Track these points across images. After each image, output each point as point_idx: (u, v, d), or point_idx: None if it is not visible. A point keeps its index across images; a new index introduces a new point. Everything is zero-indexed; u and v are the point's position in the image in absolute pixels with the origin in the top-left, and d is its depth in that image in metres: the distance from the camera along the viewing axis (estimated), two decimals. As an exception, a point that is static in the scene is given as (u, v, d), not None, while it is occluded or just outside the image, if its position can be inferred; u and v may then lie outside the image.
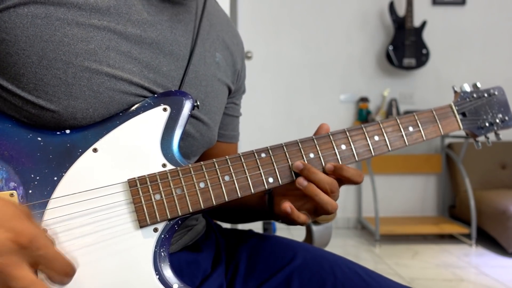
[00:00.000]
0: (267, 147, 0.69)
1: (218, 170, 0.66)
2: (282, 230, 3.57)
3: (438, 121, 0.79)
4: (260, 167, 0.68)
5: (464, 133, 0.86)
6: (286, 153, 0.70)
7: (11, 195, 0.58)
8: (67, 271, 0.51)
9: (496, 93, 0.86)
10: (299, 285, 0.75)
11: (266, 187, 0.68)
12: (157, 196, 0.63)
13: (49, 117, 0.61)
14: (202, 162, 0.66)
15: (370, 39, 3.78)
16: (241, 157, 0.67)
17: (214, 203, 0.65)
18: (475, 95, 0.84)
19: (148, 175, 0.63)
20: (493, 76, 3.69)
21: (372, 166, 3.48)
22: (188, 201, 0.64)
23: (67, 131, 0.63)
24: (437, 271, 2.74)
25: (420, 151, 3.75)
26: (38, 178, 0.60)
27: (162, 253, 0.62)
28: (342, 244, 3.34)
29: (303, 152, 0.70)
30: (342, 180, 0.70)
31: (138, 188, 0.62)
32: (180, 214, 0.63)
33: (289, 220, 0.72)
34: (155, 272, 0.61)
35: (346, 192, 3.81)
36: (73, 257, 0.58)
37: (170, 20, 0.72)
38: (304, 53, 3.76)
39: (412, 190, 3.83)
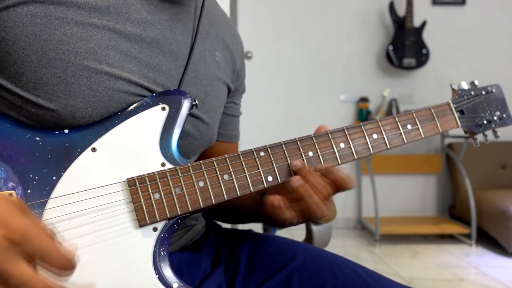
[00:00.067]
0: (266, 146, 0.69)
1: (217, 169, 0.66)
2: (282, 230, 3.56)
3: (436, 119, 0.79)
4: (259, 165, 0.68)
5: (464, 133, 0.86)
6: (285, 151, 0.70)
7: (10, 195, 0.58)
8: (65, 265, 0.49)
9: (493, 90, 0.86)
10: (299, 285, 0.75)
11: (265, 185, 0.68)
12: (156, 196, 0.63)
13: (48, 116, 0.61)
14: (201, 161, 0.66)
15: (370, 39, 3.78)
16: (240, 156, 0.67)
17: (214, 202, 0.65)
18: (472, 93, 0.84)
19: (147, 174, 0.63)
20: (493, 76, 3.67)
21: (372, 166, 3.48)
22: (188, 200, 0.64)
23: (66, 131, 0.63)
24: (437, 271, 2.74)
25: (420, 151, 3.75)
26: (37, 178, 0.60)
27: (162, 253, 0.62)
28: (342, 244, 3.34)
29: (302, 151, 0.70)
30: (334, 184, 0.69)
31: (137, 187, 0.62)
32: (179, 213, 0.63)
33: (275, 220, 0.71)
34: (155, 271, 0.61)
35: (346, 192, 3.79)
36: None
37: (170, 19, 0.72)
38: (304, 53, 3.76)
39: (412, 190, 3.82)
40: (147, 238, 0.62)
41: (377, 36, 3.77)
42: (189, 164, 0.65)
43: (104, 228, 0.61)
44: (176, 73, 0.71)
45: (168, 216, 0.63)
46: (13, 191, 0.58)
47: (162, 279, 0.61)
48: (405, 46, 3.59)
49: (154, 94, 0.67)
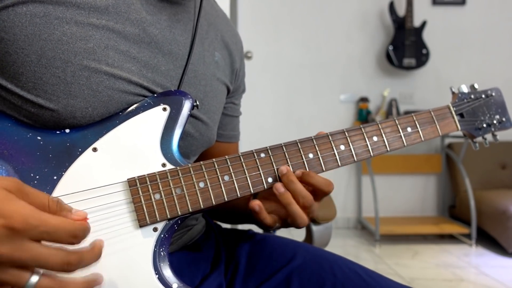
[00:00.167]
0: (266, 147, 0.69)
1: (217, 170, 0.66)
2: (282, 230, 3.56)
3: (436, 122, 0.80)
4: (259, 167, 0.68)
5: (464, 136, 0.87)
6: (286, 153, 0.70)
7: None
8: (76, 234, 0.48)
9: (493, 94, 0.86)
10: (298, 285, 0.75)
11: (266, 187, 0.68)
12: (157, 196, 0.63)
13: (48, 116, 0.61)
14: (201, 162, 0.66)
15: (370, 39, 3.78)
16: (241, 157, 0.68)
17: (214, 203, 0.65)
18: (472, 96, 0.85)
19: (147, 174, 0.63)
20: (493, 76, 3.69)
21: (372, 166, 3.48)
22: (188, 201, 0.64)
23: (67, 131, 0.63)
24: (437, 271, 2.74)
25: (420, 151, 3.75)
26: (37, 177, 0.60)
27: (162, 253, 0.62)
28: (342, 244, 3.34)
29: (302, 153, 0.70)
30: (314, 189, 0.69)
31: (137, 187, 0.62)
32: (179, 213, 0.63)
33: (259, 223, 0.71)
34: (155, 271, 0.61)
35: (346, 192, 3.81)
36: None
37: (169, 19, 0.72)
38: (304, 53, 3.76)
39: (412, 190, 3.83)
40: (147, 238, 0.62)
41: (377, 36, 3.77)
42: (189, 165, 0.65)
43: (105, 228, 0.61)
44: (175, 74, 0.71)
45: (169, 216, 0.63)
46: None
47: (162, 279, 0.61)
48: (405, 46, 3.59)
49: (155, 95, 0.68)
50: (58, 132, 0.62)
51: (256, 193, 0.76)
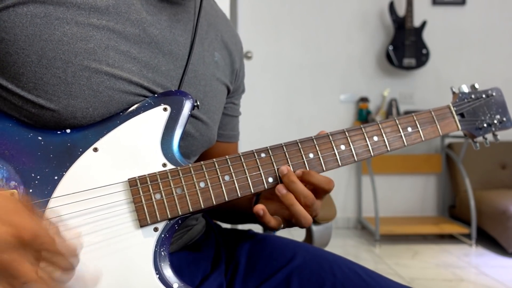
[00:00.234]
0: (267, 147, 0.69)
1: (218, 170, 0.66)
2: (282, 230, 3.56)
3: (436, 122, 0.80)
4: (260, 167, 0.68)
5: (464, 136, 0.86)
6: (286, 153, 0.70)
7: (12, 194, 0.58)
8: (72, 261, 0.50)
9: (494, 94, 0.86)
10: (298, 285, 0.75)
11: (266, 186, 0.68)
12: (158, 196, 0.63)
13: (49, 116, 0.61)
14: (202, 162, 0.66)
15: (370, 39, 3.78)
16: (241, 157, 0.68)
17: (214, 203, 0.65)
18: (473, 96, 0.85)
19: (148, 174, 0.63)
20: (493, 76, 3.69)
21: (372, 166, 3.48)
22: (188, 201, 0.64)
23: (68, 131, 0.63)
24: (437, 271, 2.74)
25: (420, 151, 3.75)
26: (38, 177, 0.60)
27: (162, 253, 0.62)
28: (342, 244, 3.34)
29: (302, 152, 0.70)
30: (315, 188, 0.69)
31: (138, 187, 0.62)
32: (180, 213, 0.63)
33: (263, 225, 0.72)
34: (155, 271, 0.61)
35: (346, 192, 3.81)
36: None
37: (169, 19, 0.72)
38: (304, 53, 3.76)
39: (412, 190, 3.83)
40: (148, 238, 0.62)
41: (377, 36, 3.77)
42: (190, 165, 0.65)
43: (105, 228, 0.61)
44: (176, 74, 0.72)
45: (169, 216, 0.63)
46: (15, 191, 0.58)
47: (162, 279, 0.61)
48: (405, 46, 3.59)
49: (155, 95, 0.68)
50: (59, 132, 0.63)
51: (258, 193, 0.76)
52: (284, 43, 3.75)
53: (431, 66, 3.68)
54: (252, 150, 0.69)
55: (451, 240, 3.43)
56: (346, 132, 0.73)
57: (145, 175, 0.63)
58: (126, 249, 0.61)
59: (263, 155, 0.69)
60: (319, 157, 0.71)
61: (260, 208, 0.68)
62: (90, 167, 0.62)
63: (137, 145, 0.64)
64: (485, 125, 0.85)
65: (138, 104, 0.66)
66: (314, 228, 1.08)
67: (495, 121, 0.85)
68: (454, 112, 0.82)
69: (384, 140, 0.75)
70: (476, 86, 0.85)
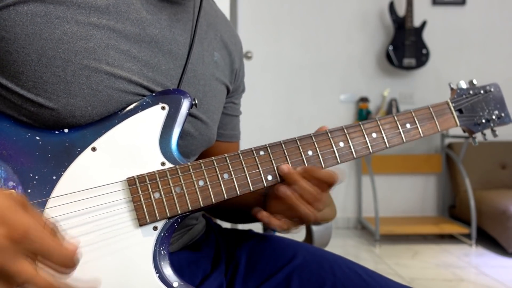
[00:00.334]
0: (265, 145, 0.69)
1: (217, 168, 0.66)
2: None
3: (435, 118, 0.79)
4: (259, 165, 0.68)
5: (463, 132, 0.86)
6: (285, 151, 0.70)
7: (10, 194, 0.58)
8: (66, 262, 0.48)
9: (492, 89, 0.86)
10: (298, 285, 0.75)
11: (265, 184, 0.68)
12: (156, 195, 0.63)
13: (48, 115, 0.61)
14: (201, 161, 0.66)
15: (370, 39, 3.78)
16: (240, 155, 0.68)
17: (214, 201, 0.65)
18: (471, 92, 0.84)
19: (147, 173, 0.63)
20: (493, 76, 3.65)
21: (372, 166, 3.48)
22: (188, 200, 0.64)
23: (66, 130, 0.63)
24: (437, 271, 2.74)
25: (420, 151, 3.75)
26: (37, 177, 0.60)
27: (162, 252, 0.62)
28: (342, 244, 3.34)
29: (301, 150, 0.70)
30: (320, 183, 0.68)
31: (137, 186, 0.62)
32: (179, 212, 0.63)
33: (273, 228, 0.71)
34: (155, 270, 0.61)
35: (346, 192, 3.81)
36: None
37: (169, 19, 0.72)
38: (304, 53, 3.76)
39: (412, 190, 3.82)
40: (147, 237, 0.62)
41: (377, 36, 3.78)
42: (189, 164, 0.65)
43: (104, 227, 0.61)
44: (175, 73, 0.72)
45: (168, 215, 0.63)
46: (13, 191, 0.58)
47: (162, 278, 0.61)
48: (405, 46, 3.59)
49: (153, 94, 0.68)
50: (57, 132, 0.62)
51: (265, 193, 0.76)
52: (284, 43, 3.75)
53: (431, 66, 3.68)
54: (251, 148, 0.69)
55: (451, 240, 3.43)
56: (344, 129, 0.73)
57: (143, 174, 0.63)
58: (126, 249, 0.61)
59: (262, 153, 0.69)
60: (318, 155, 0.71)
61: (264, 215, 0.68)
62: (88, 167, 0.62)
63: (135, 144, 0.64)
64: (483, 120, 0.84)
65: (136, 103, 0.66)
66: (314, 228, 1.08)
67: (494, 117, 0.85)
68: (452, 108, 0.82)
69: (382, 136, 0.75)
70: (474, 82, 0.85)
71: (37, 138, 0.62)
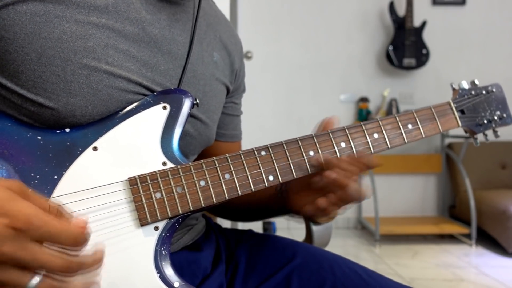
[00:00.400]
0: (267, 145, 0.69)
1: (218, 168, 0.66)
2: (282, 230, 3.57)
3: (437, 119, 0.79)
4: (260, 165, 0.68)
5: (464, 132, 0.86)
6: (286, 151, 0.70)
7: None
8: (77, 240, 0.48)
9: (494, 90, 0.86)
10: (298, 285, 0.75)
11: (266, 184, 0.68)
12: (158, 195, 0.63)
13: (48, 115, 0.61)
14: (202, 161, 0.66)
15: (370, 39, 3.78)
16: (241, 155, 0.68)
17: (215, 201, 0.65)
18: (473, 92, 0.84)
19: (148, 173, 0.63)
20: (493, 76, 3.67)
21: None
22: (189, 199, 0.64)
23: (67, 130, 0.63)
24: (437, 271, 2.74)
25: (420, 151, 3.75)
26: (38, 177, 0.60)
27: (163, 252, 0.62)
28: (342, 244, 3.34)
29: (302, 150, 0.70)
30: (361, 169, 0.71)
31: (138, 186, 0.62)
32: (181, 212, 0.63)
33: (309, 216, 0.73)
34: (156, 270, 0.61)
35: (346, 192, 3.80)
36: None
37: (168, 19, 0.72)
38: (304, 53, 3.76)
39: (412, 190, 3.82)
40: (149, 237, 0.62)
41: (377, 36, 3.78)
42: (190, 163, 0.65)
43: (106, 227, 0.61)
44: (175, 73, 0.71)
45: (170, 215, 0.63)
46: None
47: (163, 278, 0.61)
48: (405, 46, 3.59)
49: (155, 93, 0.67)
50: (58, 131, 0.62)
51: (281, 188, 0.78)
52: (284, 43, 3.75)
53: (431, 66, 3.68)
54: (252, 148, 0.69)
55: (451, 240, 3.43)
56: (346, 130, 0.73)
57: (145, 174, 0.63)
58: (127, 249, 0.61)
59: (263, 153, 0.69)
60: (319, 155, 0.71)
61: (323, 202, 0.69)
62: (89, 166, 0.62)
63: (136, 144, 0.64)
64: (485, 121, 0.84)
65: (137, 103, 0.66)
66: (314, 228, 1.08)
67: (495, 117, 0.85)
68: (454, 109, 0.81)
69: (384, 137, 0.75)
70: (476, 82, 0.85)
71: (38, 137, 0.61)
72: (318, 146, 0.71)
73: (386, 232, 3.29)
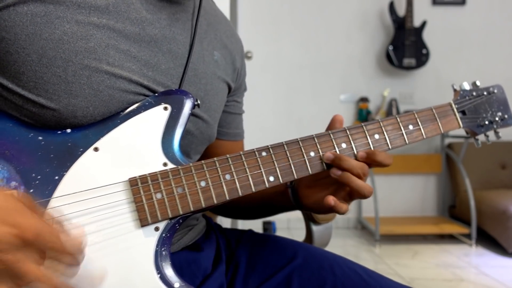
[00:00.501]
0: (267, 146, 0.69)
1: (219, 169, 0.66)
2: (282, 230, 3.57)
3: (438, 120, 0.79)
4: (261, 165, 0.68)
5: (464, 133, 0.86)
6: (287, 151, 0.70)
7: (12, 194, 0.58)
8: (77, 256, 0.50)
9: (495, 91, 0.86)
10: (299, 285, 0.75)
11: (267, 185, 0.68)
12: (158, 195, 0.63)
13: (49, 116, 0.61)
14: (203, 161, 0.66)
15: (370, 39, 3.78)
16: (242, 155, 0.68)
17: (215, 202, 0.65)
18: (474, 93, 0.84)
19: (149, 174, 0.63)
20: (493, 76, 3.69)
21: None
22: (190, 200, 0.64)
23: (68, 130, 0.63)
24: (437, 271, 2.74)
25: (420, 151, 3.75)
26: (39, 177, 0.60)
27: (163, 252, 0.62)
28: (342, 244, 3.34)
29: (303, 151, 0.70)
30: (373, 165, 0.72)
31: (139, 187, 0.62)
32: (181, 213, 0.63)
33: (322, 211, 0.75)
34: (156, 270, 0.61)
35: (346, 192, 3.81)
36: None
37: (168, 18, 0.72)
38: (304, 53, 3.76)
39: (412, 190, 3.83)
40: (149, 238, 0.62)
41: (377, 36, 3.78)
42: (191, 164, 0.65)
43: (106, 227, 0.61)
44: (176, 72, 0.72)
45: (170, 216, 0.63)
46: (15, 191, 0.58)
47: (163, 278, 0.61)
48: (405, 46, 3.59)
49: (156, 94, 0.68)
50: (59, 132, 0.62)
51: (291, 185, 0.80)
52: (284, 43, 3.75)
53: (431, 66, 3.68)
54: (253, 149, 0.69)
55: (451, 240, 3.43)
56: (347, 130, 0.73)
57: (146, 175, 0.63)
58: (128, 249, 0.61)
59: (264, 153, 0.69)
60: (320, 156, 0.71)
61: (331, 199, 0.70)
62: (90, 167, 0.62)
63: (137, 144, 0.64)
64: (486, 122, 0.84)
65: (138, 103, 0.66)
66: (314, 228, 1.08)
67: (497, 118, 0.85)
68: (455, 110, 0.81)
69: (385, 138, 0.75)
70: (478, 83, 0.85)
71: (40, 138, 0.62)
72: (319, 146, 0.71)
73: (386, 232, 3.29)
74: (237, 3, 3.09)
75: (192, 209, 0.64)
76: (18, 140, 0.61)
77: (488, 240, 3.25)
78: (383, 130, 0.75)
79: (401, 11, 3.65)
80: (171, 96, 0.67)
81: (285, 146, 0.70)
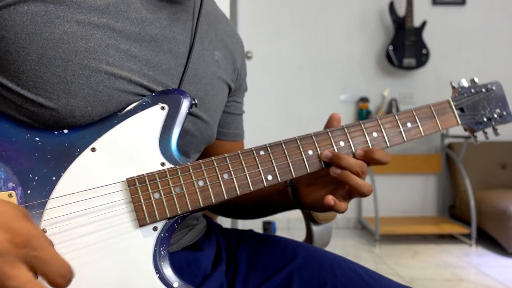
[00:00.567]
0: (265, 145, 0.69)
1: (217, 168, 0.66)
2: (282, 230, 3.57)
3: (436, 117, 0.79)
4: (259, 164, 0.68)
5: (464, 132, 0.86)
6: (285, 150, 0.70)
7: (10, 195, 0.58)
8: (64, 274, 0.48)
9: (493, 88, 0.85)
10: (299, 285, 0.75)
11: (265, 184, 0.68)
12: (156, 195, 0.63)
13: (48, 115, 0.61)
14: (200, 161, 0.66)
15: (370, 39, 3.78)
16: (240, 155, 0.67)
17: (213, 201, 0.65)
18: (472, 90, 0.84)
19: (147, 174, 0.63)
20: (493, 76, 3.66)
21: (372, 166, 3.48)
22: (187, 200, 0.64)
23: (65, 131, 0.63)
24: (437, 271, 2.74)
25: (420, 151, 3.75)
26: (36, 178, 0.60)
27: (162, 252, 0.62)
28: (342, 244, 3.34)
29: (301, 149, 0.70)
30: (371, 163, 0.72)
31: (137, 187, 0.62)
32: (179, 212, 0.63)
33: (322, 209, 0.75)
34: (155, 270, 0.61)
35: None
36: (73, 257, 0.57)
37: (169, 18, 0.72)
38: (304, 53, 3.76)
39: (412, 190, 3.83)
40: (147, 238, 0.62)
41: (377, 36, 3.78)
42: (188, 164, 0.65)
43: (104, 228, 0.60)
44: (176, 72, 0.71)
45: (168, 215, 0.63)
46: (13, 192, 0.58)
47: (162, 278, 0.61)
48: (405, 46, 3.59)
49: (153, 94, 0.67)
50: (56, 132, 0.62)
51: (291, 184, 0.80)
52: (284, 43, 3.75)
53: (431, 66, 3.68)
54: (251, 148, 0.68)
55: (451, 240, 3.43)
56: (345, 129, 0.73)
57: (143, 175, 0.63)
58: (126, 249, 0.61)
59: (262, 152, 0.69)
60: (318, 154, 0.71)
61: (330, 199, 0.70)
62: (88, 167, 0.62)
63: (135, 144, 0.64)
64: (485, 119, 0.84)
65: (135, 103, 0.66)
66: (314, 228, 1.08)
67: (495, 115, 0.84)
68: (453, 107, 0.81)
69: (383, 136, 0.75)
70: (476, 80, 0.85)
71: (37, 138, 0.61)
72: (317, 145, 0.71)
73: (386, 232, 3.29)
74: (237, 3, 3.09)
75: (190, 208, 0.63)
76: (15, 141, 0.61)
77: (488, 240, 3.25)
78: (381, 128, 0.75)
79: (401, 11, 3.65)
80: (168, 96, 0.67)
81: (283, 144, 0.70)
